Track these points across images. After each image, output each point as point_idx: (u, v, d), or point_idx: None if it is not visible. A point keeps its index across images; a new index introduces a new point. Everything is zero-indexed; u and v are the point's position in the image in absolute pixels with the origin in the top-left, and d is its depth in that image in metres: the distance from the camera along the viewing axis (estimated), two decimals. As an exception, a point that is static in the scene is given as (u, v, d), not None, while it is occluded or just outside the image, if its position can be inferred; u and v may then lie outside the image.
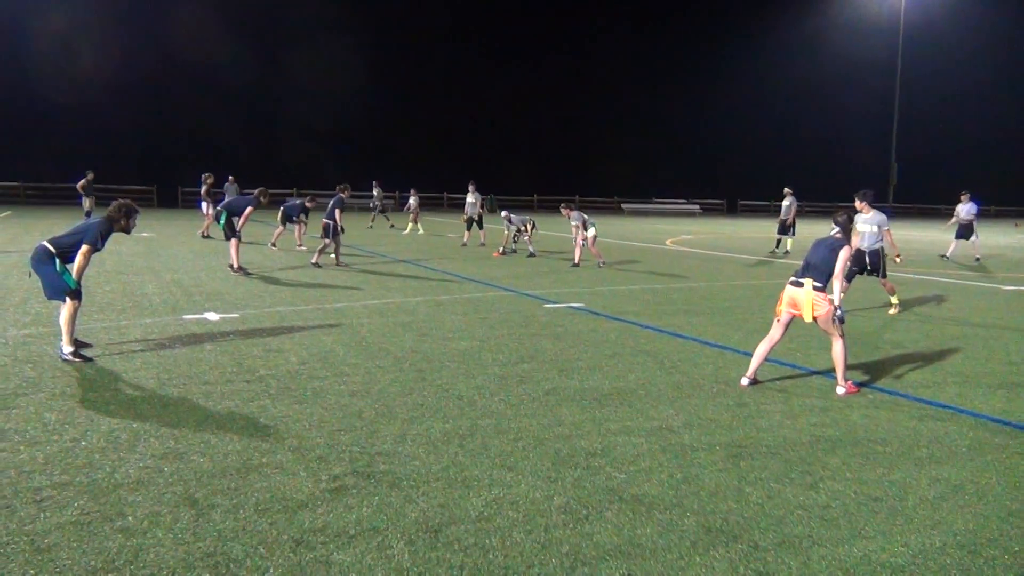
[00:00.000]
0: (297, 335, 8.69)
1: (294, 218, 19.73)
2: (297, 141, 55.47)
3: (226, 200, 16.54)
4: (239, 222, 14.33)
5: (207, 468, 4.68)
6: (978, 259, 21.14)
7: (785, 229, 22.44)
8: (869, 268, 11.22)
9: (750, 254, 22.15)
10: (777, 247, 22.86)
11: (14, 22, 45.87)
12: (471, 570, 3.58)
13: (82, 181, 25.37)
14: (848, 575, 3.63)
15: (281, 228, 20.01)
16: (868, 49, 69.01)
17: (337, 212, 15.69)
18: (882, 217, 11.13)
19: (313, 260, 15.63)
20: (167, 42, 49.83)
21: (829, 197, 55.55)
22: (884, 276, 11.42)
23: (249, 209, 14.39)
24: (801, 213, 59.69)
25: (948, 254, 21.26)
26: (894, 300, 11.54)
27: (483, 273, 15.37)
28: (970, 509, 4.40)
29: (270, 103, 56.51)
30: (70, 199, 34.93)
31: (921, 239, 32.30)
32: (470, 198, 22.96)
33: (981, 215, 22.54)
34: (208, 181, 23.37)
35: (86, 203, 25.21)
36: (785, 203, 22.56)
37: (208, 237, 21.65)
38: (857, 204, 10.80)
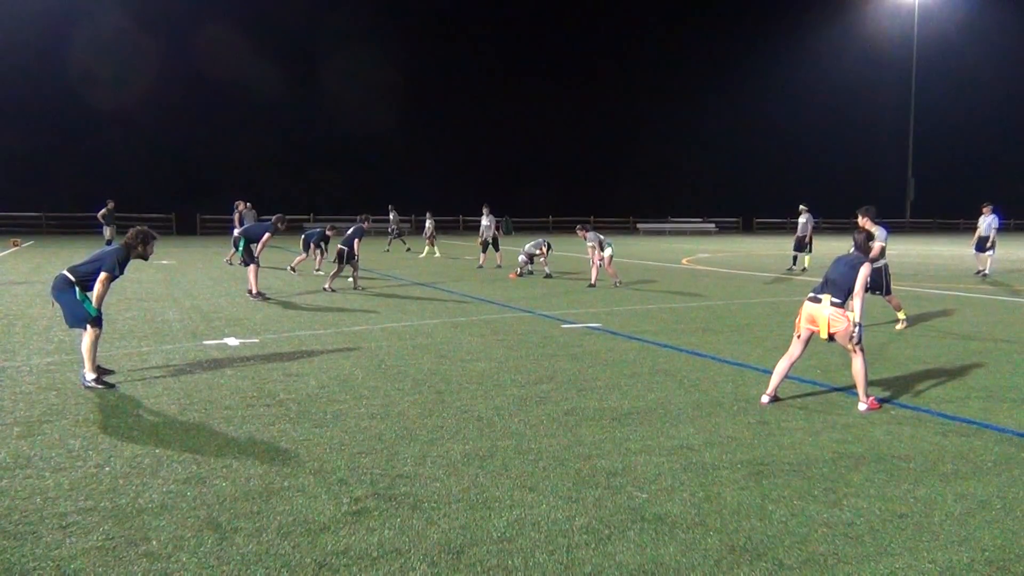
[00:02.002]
0: (316, 359, 8.74)
1: (313, 244, 20.00)
2: (315, 167, 56.03)
3: (244, 226, 16.71)
4: (257, 248, 14.44)
5: (230, 492, 4.71)
6: (987, 274, 20.46)
7: (802, 246, 22.35)
8: (871, 285, 11.15)
9: (767, 272, 22.05)
10: (794, 264, 22.74)
11: (35, 53, 46.76)
12: (494, 591, 3.57)
13: (103, 210, 25.76)
14: (875, 593, 3.59)
15: (303, 255, 20.25)
16: (883, 65, 69.05)
17: (356, 241, 15.85)
18: (882, 232, 11.06)
19: (326, 286, 15.72)
20: (186, 71, 50.59)
21: (846, 214, 55.35)
22: (888, 292, 11.34)
23: (267, 236, 14.47)
24: (819, 230, 59.58)
25: (980, 268, 20.86)
26: (900, 315, 11.45)
27: (500, 294, 15.39)
28: (998, 525, 4.35)
29: (290, 129, 57.12)
30: (91, 228, 35.42)
31: (942, 254, 32.08)
32: (485, 221, 23.10)
33: (1001, 229, 22.15)
34: (239, 208, 23.65)
35: (107, 232, 25.61)
36: (801, 220, 22.51)
37: (233, 264, 21.81)
38: (860, 220, 10.73)
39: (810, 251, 22.49)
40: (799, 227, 22.52)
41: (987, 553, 3.99)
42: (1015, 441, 5.86)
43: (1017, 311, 13.59)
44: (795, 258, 22.75)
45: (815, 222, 23.14)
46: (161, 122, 51.20)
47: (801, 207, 22.65)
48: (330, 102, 54.76)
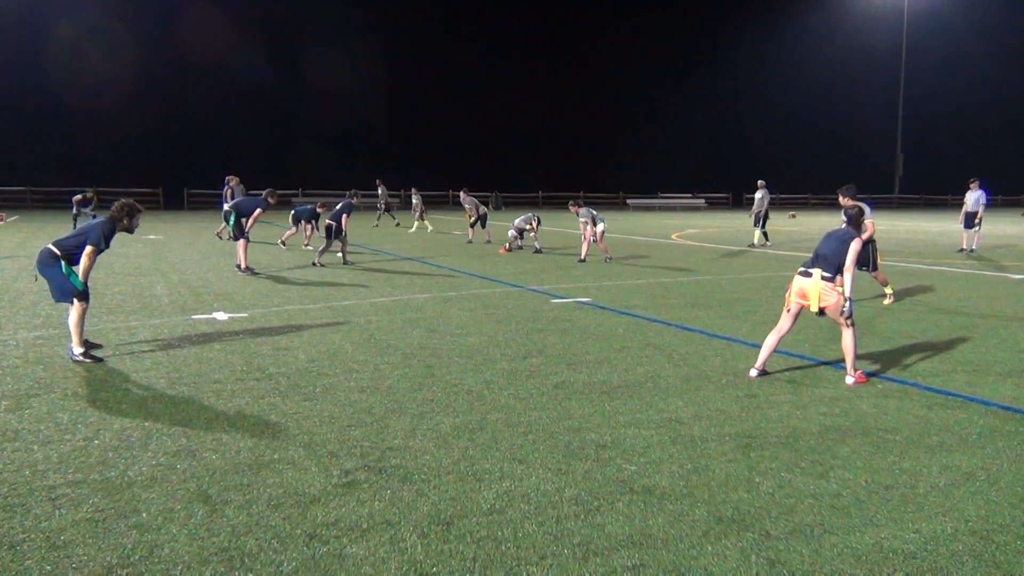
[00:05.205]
0: (305, 333, 8.72)
1: (304, 220, 19.95)
2: (302, 140, 55.61)
3: (235, 200, 16.59)
4: (248, 223, 14.33)
5: (219, 465, 4.71)
6: (972, 250, 20.49)
7: (759, 220, 22.42)
8: (858, 261, 11.19)
9: (756, 247, 22.08)
10: (767, 240, 22.79)
11: (23, 26, 46.06)
12: (484, 562, 3.59)
13: (78, 196, 24.77)
14: (860, 562, 3.63)
15: (293, 229, 20.19)
16: (873, 40, 68.90)
17: (344, 216, 15.82)
18: (867, 209, 11.09)
19: (315, 261, 15.70)
20: (173, 45, 49.97)
21: (835, 189, 55.44)
22: (875, 268, 11.39)
23: (258, 211, 14.32)
24: (809, 206, 59.68)
25: (964, 246, 20.86)
26: (888, 291, 11.51)
27: (489, 269, 15.38)
28: (981, 496, 4.40)
29: (275, 103, 56.61)
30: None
31: (930, 230, 32.21)
32: (466, 205, 23.14)
33: (989, 205, 22.16)
34: (231, 183, 23.35)
35: (74, 209, 24.72)
36: (758, 195, 22.53)
37: (223, 238, 21.64)
38: (840, 199, 10.75)
39: (763, 227, 22.52)
40: (755, 202, 22.56)
41: (970, 524, 4.05)
42: (999, 414, 5.92)
43: (1002, 286, 13.68)
44: (765, 234, 22.78)
45: (772, 198, 23.06)
46: (149, 97, 50.65)
47: (760, 182, 22.68)
48: (318, 78, 54.20)
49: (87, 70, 45.80)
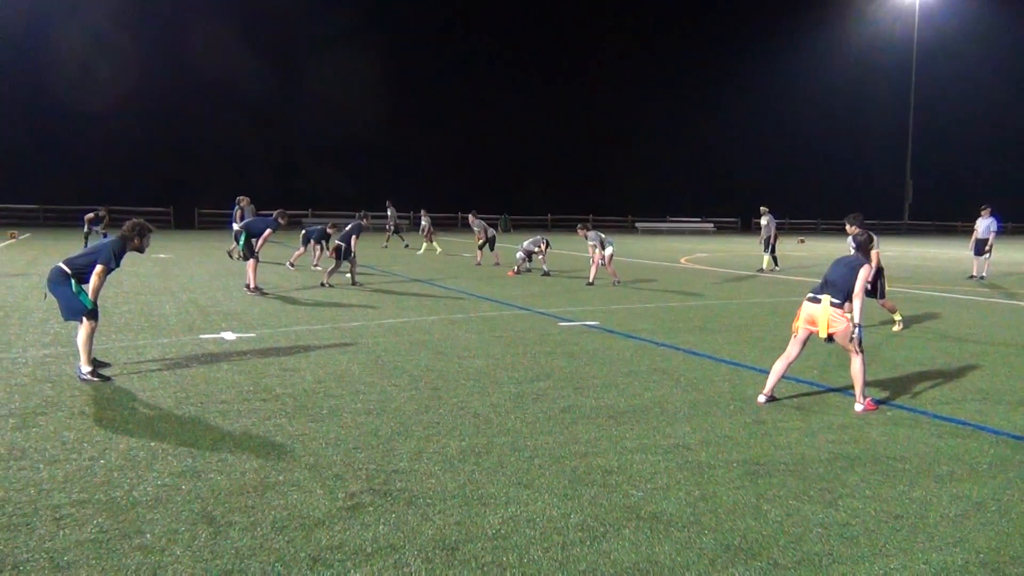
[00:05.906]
0: (313, 354, 8.73)
1: (313, 241, 20.06)
2: (313, 162, 55.97)
3: (245, 221, 16.68)
4: (258, 243, 14.38)
5: (224, 486, 4.70)
6: (983, 277, 20.39)
7: (767, 246, 22.35)
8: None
9: (765, 271, 22.04)
10: (776, 265, 22.70)
11: (33, 46, 46.66)
12: (488, 588, 3.56)
13: (90, 215, 25.14)
14: (869, 593, 3.59)
15: (301, 249, 20.28)
16: (883, 66, 69.12)
17: (353, 238, 15.88)
18: (873, 237, 11.09)
19: (323, 282, 15.73)
20: (185, 64, 50.50)
21: (845, 215, 55.25)
22: (883, 296, 11.34)
23: (268, 231, 14.37)
24: (818, 231, 59.62)
25: (975, 273, 20.78)
26: (896, 317, 11.45)
27: (498, 292, 15.38)
28: (992, 527, 4.35)
29: (287, 124, 57.08)
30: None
31: (939, 256, 32.11)
32: (475, 228, 23.22)
33: (1000, 232, 22.07)
34: (242, 204, 23.50)
35: (86, 227, 25.04)
36: (763, 221, 22.46)
37: (234, 258, 21.75)
38: (847, 228, 10.77)
39: (772, 252, 22.43)
40: (763, 228, 22.49)
41: (982, 555, 3.99)
42: (1011, 443, 5.86)
43: (1014, 314, 13.60)
44: (775, 259, 22.71)
45: (779, 223, 22.95)
46: (162, 116, 51.17)
47: (762, 208, 22.64)
48: (331, 101, 54.68)
49: (100, 89, 46.28)
